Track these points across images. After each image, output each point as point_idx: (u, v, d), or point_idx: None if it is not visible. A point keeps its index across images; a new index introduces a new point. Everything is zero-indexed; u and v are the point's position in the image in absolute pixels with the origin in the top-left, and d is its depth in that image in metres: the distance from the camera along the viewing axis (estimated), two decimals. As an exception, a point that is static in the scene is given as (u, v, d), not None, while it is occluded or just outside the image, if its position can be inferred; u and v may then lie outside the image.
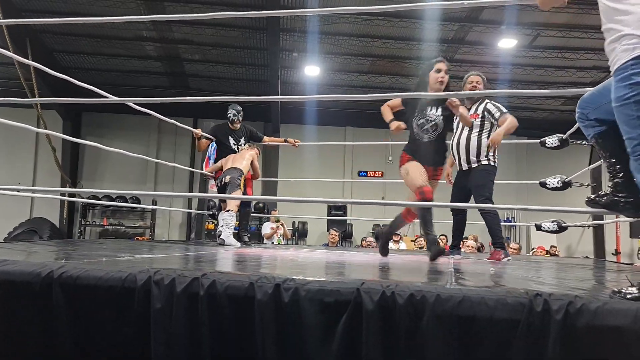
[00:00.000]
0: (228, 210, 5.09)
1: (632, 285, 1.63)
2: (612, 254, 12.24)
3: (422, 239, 9.99)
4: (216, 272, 1.74)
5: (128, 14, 9.22)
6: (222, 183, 5.19)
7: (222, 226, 5.00)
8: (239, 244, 5.07)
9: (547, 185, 3.83)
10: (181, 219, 14.09)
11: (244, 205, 5.61)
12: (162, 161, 7.11)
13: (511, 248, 9.24)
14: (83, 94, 4.15)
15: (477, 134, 4.13)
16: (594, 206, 2.20)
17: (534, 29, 9.68)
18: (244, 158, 5.38)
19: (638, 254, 11.24)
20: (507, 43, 10.26)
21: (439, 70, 3.73)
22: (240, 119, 5.65)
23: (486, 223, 4.03)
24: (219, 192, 5.31)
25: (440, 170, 3.81)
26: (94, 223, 13.60)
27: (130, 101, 3.75)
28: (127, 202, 12.78)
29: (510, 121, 4.08)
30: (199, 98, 3.57)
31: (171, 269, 1.79)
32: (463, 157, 4.15)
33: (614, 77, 1.76)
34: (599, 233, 11.87)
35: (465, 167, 4.17)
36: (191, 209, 11.19)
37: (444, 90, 3.71)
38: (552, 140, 4.08)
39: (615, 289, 1.65)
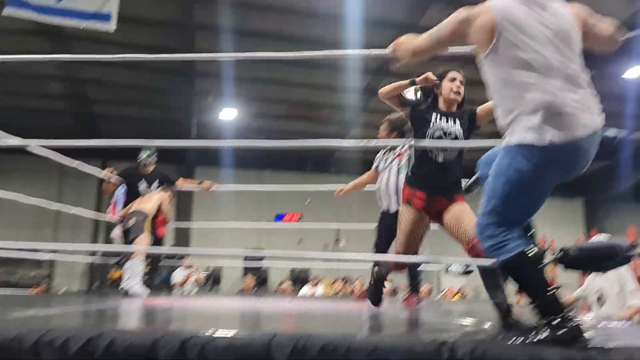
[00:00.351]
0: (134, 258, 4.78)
1: (535, 327, 1.71)
2: (515, 293, 12.92)
3: (339, 282, 10.03)
4: (115, 330, 1.61)
5: (31, 51, 8.76)
6: (125, 228, 4.91)
7: (128, 277, 4.70)
8: (146, 292, 4.77)
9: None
10: (83, 266, 13.17)
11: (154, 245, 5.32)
12: (63, 205, 6.63)
13: (422, 291, 9.50)
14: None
15: (404, 175, 4.04)
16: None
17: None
18: (151, 200, 5.15)
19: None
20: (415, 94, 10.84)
21: (453, 79, 3.05)
22: (154, 161, 5.41)
23: (410, 265, 3.82)
24: (123, 237, 5.01)
25: (460, 199, 2.94)
26: (-18, 273, 12.36)
27: (33, 143, 3.49)
28: (21, 249, 11.75)
29: None
30: (107, 141, 3.40)
31: (66, 327, 1.63)
32: (393, 197, 4.01)
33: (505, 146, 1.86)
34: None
35: (395, 208, 3.92)
36: (94, 256, 10.50)
37: (460, 105, 3.09)
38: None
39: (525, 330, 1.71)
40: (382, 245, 4.09)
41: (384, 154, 4.24)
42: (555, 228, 12.75)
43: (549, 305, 1.73)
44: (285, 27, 8.74)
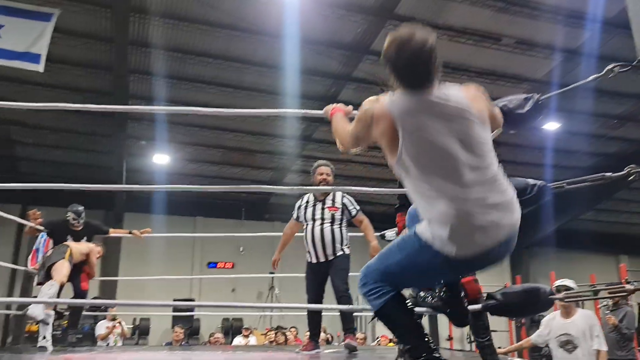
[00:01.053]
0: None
1: None
2: (446, 339, 13.16)
3: (273, 332, 9.80)
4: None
5: (-51, 90, 8.32)
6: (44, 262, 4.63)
7: (42, 333, 4.41)
8: (50, 348, 4.43)
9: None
10: (-3, 320, 12.14)
11: (77, 297, 5.02)
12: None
13: (357, 338, 9.46)
14: None
15: (338, 225, 4.17)
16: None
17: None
18: (79, 247, 4.91)
19: (467, 338, 12.19)
20: (349, 142, 11.15)
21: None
22: (82, 221, 5.11)
23: (342, 308, 3.97)
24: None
25: None
26: None
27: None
28: None
29: (370, 227, 4.27)
30: (28, 185, 3.24)
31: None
32: (328, 248, 4.09)
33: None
34: (432, 320, 12.72)
35: (324, 258, 4.10)
36: (10, 309, 9.72)
37: None
38: (390, 233, 4.41)
39: None
40: (313, 294, 4.13)
41: (308, 203, 4.28)
42: (484, 274, 13.21)
43: (416, 349, 1.79)
44: (221, 73, 8.81)
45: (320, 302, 4.16)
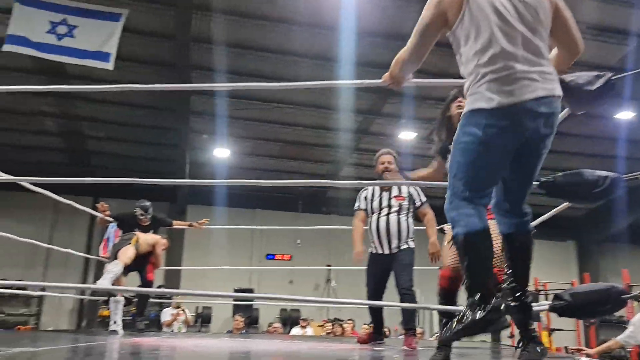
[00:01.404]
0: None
1: None
2: (508, 337, 12.80)
3: (330, 324, 9.89)
4: (105, 368, 1.59)
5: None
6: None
7: (114, 317, 4.68)
8: (120, 332, 4.68)
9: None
10: (72, 305, 12.92)
11: (143, 287, 5.31)
12: (53, 246, 6.59)
13: (417, 333, 9.37)
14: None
15: (405, 215, 4.04)
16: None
17: (431, 123, 10.51)
18: (146, 237, 5.15)
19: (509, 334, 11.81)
20: (406, 135, 11.02)
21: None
22: (149, 216, 5.31)
23: (409, 302, 3.82)
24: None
25: None
26: (-33, 311, 12.05)
27: (23, 180, 3.50)
28: (9, 286, 11.53)
29: (433, 222, 4.11)
30: (100, 179, 3.43)
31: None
32: (394, 239, 3.97)
33: None
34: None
35: (389, 250, 3.98)
36: (84, 294, 10.35)
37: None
38: (449, 226, 4.29)
39: None
40: (373, 287, 4.02)
41: (374, 194, 4.13)
42: (548, 270, 12.73)
43: (479, 287, 1.83)
44: (279, 67, 8.92)
45: (380, 297, 4.03)
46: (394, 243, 3.97)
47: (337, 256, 11.75)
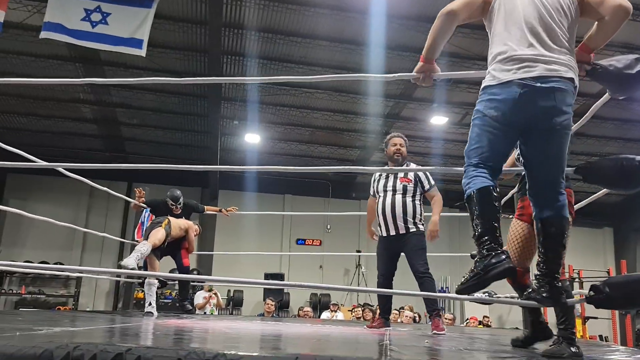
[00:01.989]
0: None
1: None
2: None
3: (359, 308, 9.94)
4: (142, 347, 1.64)
5: (65, 76, 9.09)
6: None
7: (148, 299, 4.82)
8: (155, 314, 4.81)
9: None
10: (108, 287, 13.33)
11: (181, 274, 5.49)
12: (90, 230, 6.79)
13: (446, 318, 9.33)
14: (8, 155, 3.97)
15: (411, 197, 4.06)
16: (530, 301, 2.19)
17: (462, 107, 10.35)
18: (178, 222, 5.25)
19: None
20: (438, 120, 10.87)
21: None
22: (180, 205, 5.37)
23: (425, 289, 3.83)
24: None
25: None
26: (11, 291, 12.55)
27: (59, 166, 3.60)
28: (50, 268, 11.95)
29: (439, 203, 4.11)
30: (134, 165, 3.49)
31: (93, 343, 1.67)
32: (399, 220, 4.00)
33: None
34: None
35: (395, 231, 4.02)
36: (120, 276, 10.65)
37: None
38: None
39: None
40: (383, 269, 4.07)
41: (381, 176, 4.18)
42: (583, 257, 12.46)
43: (485, 234, 2.02)
44: (310, 52, 8.89)
45: (391, 279, 4.06)
46: (400, 223, 4.00)
47: (367, 242, 11.74)
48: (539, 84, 1.99)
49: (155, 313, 4.87)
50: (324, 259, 13.42)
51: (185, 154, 13.07)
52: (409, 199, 4.04)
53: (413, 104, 10.46)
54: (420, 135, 11.60)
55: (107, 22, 6.57)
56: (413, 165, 4.16)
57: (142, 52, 6.76)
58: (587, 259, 12.76)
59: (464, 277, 2.09)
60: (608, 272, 10.33)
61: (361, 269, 12.95)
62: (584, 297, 2.28)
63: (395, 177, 4.10)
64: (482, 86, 2.14)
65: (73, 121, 11.64)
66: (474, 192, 2.05)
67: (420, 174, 4.12)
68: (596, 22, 2.17)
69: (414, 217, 4.02)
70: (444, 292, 13.21)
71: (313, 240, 14.22)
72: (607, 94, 2.44)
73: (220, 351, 1.59)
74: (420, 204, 4.10)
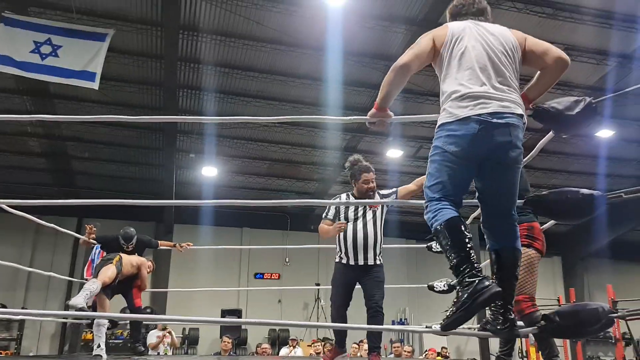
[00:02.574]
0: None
1: None
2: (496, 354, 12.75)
3: (319, 343, 9.80)
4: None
5: (12, 109, 8.80)
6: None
7: (97, 341, 4.60)
8: (104, 356, 4.58)
9: (435, 289, 3.95)
10: (54, 329, 12.65)
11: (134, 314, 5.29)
12: (35, 270, 6.46)
13: (405, 351, 9.32)
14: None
15: (380, 226, 3.91)
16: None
17: (417, 141, 10.61)
18: (130, 258, 5.06)
19: (519, 353, 11.80)
20: (394, 153, 11.09)
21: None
22: (133, 244, 5.20)
23: (377, 322, 3.72)
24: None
25: None
26: (-54, 336, 11.74)
27: (2, 203, 3.44)
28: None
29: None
30: (84, 201, 3.38)
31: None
32: (370, 250, 3.84)
33: None
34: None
35: (363, 261, 3.84)
36: (67, 317, 10.12)
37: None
38: (437, 244, 4.31)
39: None
40: (342, 299, 3.87)
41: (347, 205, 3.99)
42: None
43: (463, 263, 2.01)
44: (266, 87, 8.96)
45: (346, 309, 3.89)
46: (370, 255, 3.84)
47: (326, 275, 11.68)
48: (495, 120, 2.07)
49: (105, 355, 4.63)
50: (282, 293, 13.23)
51: (139, 187, 12.76)
52: (378, 228, 3.90)
53: (369, 137, 10.64)
54: (376, 167, 11.58)
55: (58, 55, 6.43)
56: (377, 196, 3.98)
57: (95, 85, 6.64)
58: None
59: (446, 311, 2.07)
60: (558, 300, 10.63)
61: (320, 302, 12.82)
62: (537, 326, 2.33)
63: (366, 205, 3.93)
64: (438, 123, 2.19)
65: (19, 155, 11.21)
66: (441, 224, 2.07)
67: (383, 192, 4.05)
68: (538, 72, 2.31)
69: (380, 249, 3.90)
70: (403, 324, 13.22)
71: (272, 274, 14.03)
72: (551, 132, 2.56)
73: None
74: (381, 234, 3.95)
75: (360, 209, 3.92)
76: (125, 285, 5.03)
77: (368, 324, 3.76)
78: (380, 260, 3.91)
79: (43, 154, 11.35)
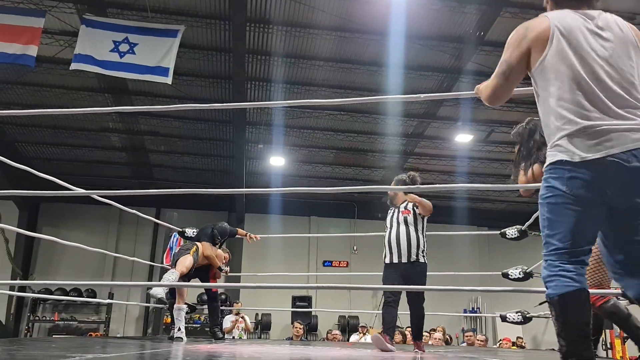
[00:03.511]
0: (178, 304, 4.95)
1: None
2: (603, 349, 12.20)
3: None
4: (173, 373, 1.65)
5: (96, 106, 9.35)
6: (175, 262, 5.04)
7: (176, 324, 4.90)
8: (185, 339, 4.88)
9: (510, 277, 3.86)
10: (138, 312, 13.44)
11: (211, 301, 5.59)
12: (120, 255, 6.90)
13: (478, 340, 9.12)
14: (43, 184, 4.08)
15: (414, 229, 4.27)
16: None
17: (488, 125, 10.26)
18: (186, 260, 5.24)
19: (603, 345, 11.22)
20: (463, 138, 10.79)
21: None
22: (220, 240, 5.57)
23: (420, 317, 4.18)
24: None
25: None
26: (44, 318, 12.77)
27: (94, 193, 3.69)
28: (81, 295, 12.15)
29: (427, 204, 4.29)
30: (163, 190, 3.55)
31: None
32: (404, 250, 4.21)
33: None
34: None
35: (404, 260, 4.21)
36: (149, 302, 10.73)
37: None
38: (511, 231, 4.20)
39: None
40: (390, 296, 4.16)
41: (388, 213, 4.47)
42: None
43: (573, 356, 1.66)
44: (332, 75, 8.97)
45: (397, 303, 4.18)
46: (407, 254, 4.18)
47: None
48: (634, 162, 1.68)
49: (185, 338, 4.89)
50: (351, 281, 13.30)
51: (212, 178, 13.23)
52: (412, 230, 4.27)
53: (437, 123, 10.41)
54: (444, 154, 11.52)
55: (135, 52, 6.78)
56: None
57: (168, 80, 6.94)
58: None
59: None
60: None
61: (389, 290, 12.78)
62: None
63: (399, 210, 4.38)
64: (552, 159, 1.79)
65: (102, 150, 11.93)
66: (563, 296, 1.70)
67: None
68: None
69: (417, 250, 4.20)
70: (475, 312, 12.92)
71: (340, 261, 14.13)
72: None
73: (250, 376, 1.58)
74: (422, 236, 4.28)
75: (395, 214, 4.44)
76: (201, 272, 5.28)
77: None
78: (420, 259, 4.23)
79: (123, 149, 12.01)
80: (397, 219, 4.33)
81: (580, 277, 1.72)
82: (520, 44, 1.85)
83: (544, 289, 1.78)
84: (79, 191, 3.88)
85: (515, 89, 2.04)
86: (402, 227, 4.27)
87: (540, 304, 3.69)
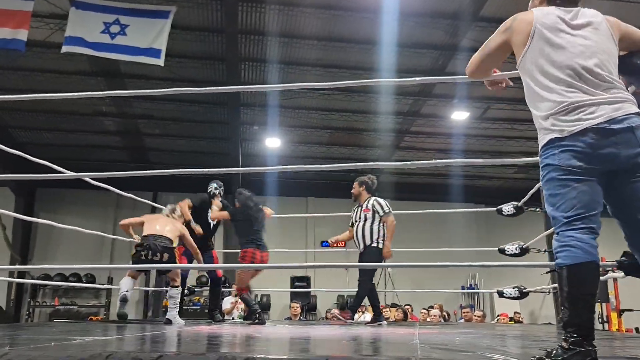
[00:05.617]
0: (174, 286, 4.97)
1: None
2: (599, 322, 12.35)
3: (387, 309, 9.87)
4: (173, 354, 1.65)
5: (88, 90, 9.25)
6: (150, 256, 4.98)
7: (171, 306, 4.93)
8: (183, 322, 4.89)
9: (506, 252, 3.89)
10: (138, 296, 13.50)
11: (214, 284, 5.64)
12: (118, 237, 6.91)
13: (475, 315, 9.22)
14: (38, 169, 4.06)
15: (370, 223, 5.22)
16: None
17: (484, 102, 10.22)
18: (171, 224, 5.25)
19: (599, 318, 11.36)
20: (459, 115, 10.76)
21: None
22: (222, 193, 5.75)
23: (359, 290, 5.28)
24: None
25: None
26: (45, 303, 12.84)
27: (87, 176, 3.68)
28: (81, 280, 12.20)
29: (390, 226, 5.15)
30: (159, 172, 3.54)
31: (125, 351, 1.69)
32: (367, 239, 5.20)
33: None
34: (559, 298, 11.98)
35: (362, 248, 5.29)
36: (148, 285, 10.77)
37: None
38: (508, 207, 4.22)
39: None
40: (365, 278, 5.22)
41: (353, 210, 5.51)
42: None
43: (576, 325, 1.71)
44: (326, 54, 8.89)
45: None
46: (363, 243, 5.24)
47: (395, 242, 11.67)
48: (615, 126, 1.82)
49: (181, 322, 4.87)
50: (349, 259, 13.36)
51: (208, 161, 13.17)
52: (367, 225, 5.26)
53: (432, 101, 10.37)
54: (441, 132, 11.50)
55: (126, 33, 6.70)
56: (373, 200, 5.36)
57: (161, 62, 6.86)
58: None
59: (537, 356, 1.77)
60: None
61: (388, 269, 12.86)
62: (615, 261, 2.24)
63: (361, 210, 5.37)
64: (544, 141, 1.93)
65: (96, 134, 11.85)
66: (571, 267, 1.75)
67: (375, 203, 5.28)
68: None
69: (370, 240, 5.20)
70: (473, 289, 13.05)
71: (337, 242, 14.17)
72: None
73: (249, 355, 1.59)
74: (377, 227, 5.22)
75: (358, 213, 5.53)
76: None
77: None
78: (373, 244, 5.20)
79: (117, 132, 11.94)
80: (360, 216, 5.31)
81: (592, 248, 1.77)
82: (504, 32, 2.06)
83: (540, 263, 1.82)
84: (72, 174, 3.86)
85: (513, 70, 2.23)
86: (362, 223, 5.26)
87: (547, 272, 3.75)
